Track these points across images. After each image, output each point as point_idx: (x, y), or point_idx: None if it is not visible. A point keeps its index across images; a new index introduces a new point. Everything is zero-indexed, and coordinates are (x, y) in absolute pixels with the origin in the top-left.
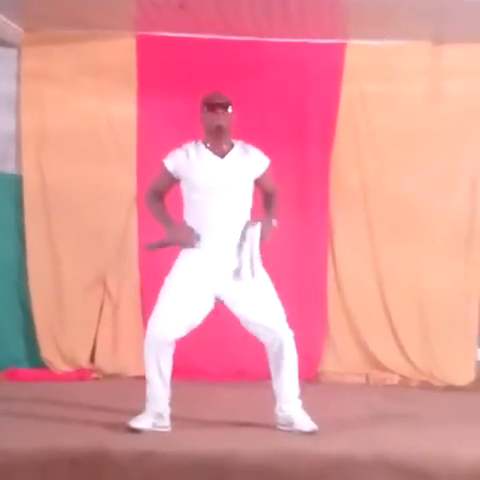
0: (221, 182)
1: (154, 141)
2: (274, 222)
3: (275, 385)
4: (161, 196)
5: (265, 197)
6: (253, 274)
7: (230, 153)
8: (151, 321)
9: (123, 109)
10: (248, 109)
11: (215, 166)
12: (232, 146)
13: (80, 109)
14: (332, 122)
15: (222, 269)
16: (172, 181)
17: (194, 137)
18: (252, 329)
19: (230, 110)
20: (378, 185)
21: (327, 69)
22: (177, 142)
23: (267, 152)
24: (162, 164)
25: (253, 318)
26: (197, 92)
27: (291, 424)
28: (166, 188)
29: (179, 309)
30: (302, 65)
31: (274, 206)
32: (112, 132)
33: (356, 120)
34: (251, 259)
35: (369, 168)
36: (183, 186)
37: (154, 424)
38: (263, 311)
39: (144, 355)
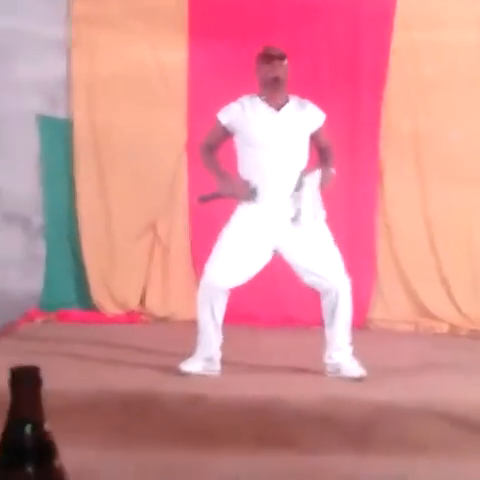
0: (276, 136)
1: (204, 87)
2: (333, 170)
3: (327, 332)
4: (215, 150)
5: (319, 152)
6: (315, 217)
7: (286, 106)
8: (207, 268)
9: (174, 54)
10: (299, 56)
11: (270, 119)
12: (288, 100)
13: (131, 54)
14: (383, 70)
15: (279, 221)
16: (226, 135)
17: (243, 83)
18: (308, 279)
19: (286, 62)
20: (429, 133)
21: (379, 15)
22: (227, 88)
23: (318, 100)
24: (216, 118)
25: (310, 267)
26: (247, 38)
27: (339, 371)
28: (220, 142)
29: (235, 259)
30: (354, 11)
31: (330, 158)
32: (162, 77)
33: (407, 68)
34: (313, 203)
35: (420, 116)
36: (237, 140)
37: (204, 368)
38: (321, 259)
39: (198, 301)
